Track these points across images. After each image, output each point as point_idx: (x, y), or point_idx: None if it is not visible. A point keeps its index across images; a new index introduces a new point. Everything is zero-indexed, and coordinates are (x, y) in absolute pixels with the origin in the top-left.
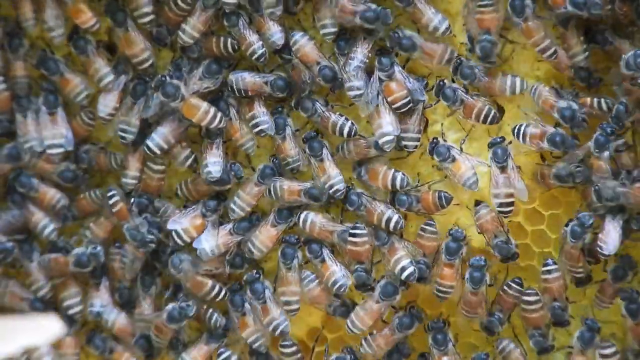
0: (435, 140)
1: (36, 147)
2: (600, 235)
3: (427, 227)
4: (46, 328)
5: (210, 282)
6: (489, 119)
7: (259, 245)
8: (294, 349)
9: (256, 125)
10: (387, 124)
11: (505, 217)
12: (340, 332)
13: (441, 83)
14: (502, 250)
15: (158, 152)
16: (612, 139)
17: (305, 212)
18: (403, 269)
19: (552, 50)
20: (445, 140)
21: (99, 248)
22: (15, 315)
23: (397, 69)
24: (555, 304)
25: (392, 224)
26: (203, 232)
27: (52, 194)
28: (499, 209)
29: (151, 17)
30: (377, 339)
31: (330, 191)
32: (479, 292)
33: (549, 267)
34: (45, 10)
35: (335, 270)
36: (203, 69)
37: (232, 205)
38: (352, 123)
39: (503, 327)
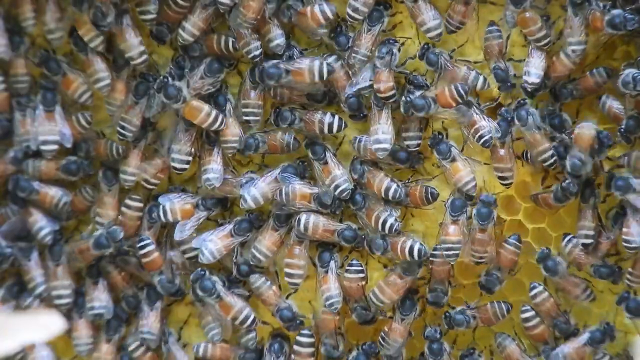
0: (439, 135)
1: (32, 145)
2: (624, 229)
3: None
4: (47, 325)
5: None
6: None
7: (265, 251)
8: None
9: (246, 114)
10: (382, 133)
11: (506, 187)
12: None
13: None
14: (489, 282)
15: (187, 166)
16: (611, 146)
17: (305, 215)
18: (411, 250)
19: (547, 40)
20: (447, 137)
21: (115, 227)
22: (16, 312)
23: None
24: (557, 321)
25: (387, 227)
26: (187, 219)
27: (53, 193)
28: (500, 182)
29: (154, 15)
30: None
31: (336, 192)
32: (487, 229)
33: (535, 291)
34: (45, 13)
35: (332, 287)
36: (204, 67)
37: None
38: (339, 118)
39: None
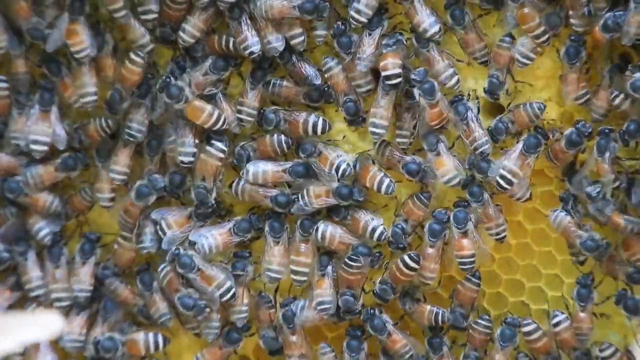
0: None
1: (22, 144)
2: None
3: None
4: (46, 324)
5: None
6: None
7: (279, 268)
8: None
9: (240, 112)
10: (380, 118)
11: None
12: None
13: (457, 97)
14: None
15: (192, 159)
16: (612, 137)
17: (322, 225)
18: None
19: (546, 37)
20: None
21: (155, 175)
22: (16, 312)
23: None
24: (577, 353)
25: (376, 235)
26: (181, 230)
27: (45, 198)
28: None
29: (156, 14)
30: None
31: (339, 174)
32: (485, 203)
33: (557, 319)
34: (44, 16)
35: (326, 293)
36: (210, 64)
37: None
38: (324, 119)
39: None
